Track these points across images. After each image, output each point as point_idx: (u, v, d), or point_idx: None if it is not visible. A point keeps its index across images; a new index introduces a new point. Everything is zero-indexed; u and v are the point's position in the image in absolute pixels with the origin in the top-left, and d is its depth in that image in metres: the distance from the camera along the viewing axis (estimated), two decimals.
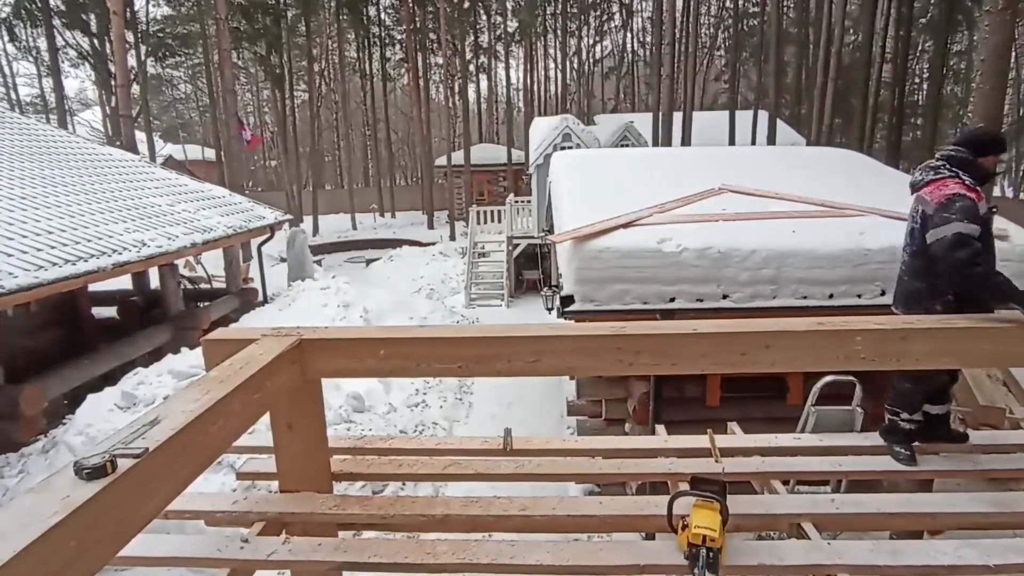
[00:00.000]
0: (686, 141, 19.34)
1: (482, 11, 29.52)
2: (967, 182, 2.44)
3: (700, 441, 2.55)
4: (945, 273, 2.37)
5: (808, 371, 2.21)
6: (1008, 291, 2.15)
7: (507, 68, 32.85)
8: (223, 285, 11.69)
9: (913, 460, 2.42)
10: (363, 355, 1.94)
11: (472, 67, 30.76)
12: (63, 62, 23.14)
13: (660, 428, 3.18)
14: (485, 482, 2.42)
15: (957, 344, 1.93)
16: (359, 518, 2.07)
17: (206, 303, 10.61)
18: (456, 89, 27.44)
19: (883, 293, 4.86)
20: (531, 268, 16.27)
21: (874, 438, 2.63)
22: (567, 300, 4.94)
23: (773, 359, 1.90)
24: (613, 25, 36.02)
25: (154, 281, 10.54)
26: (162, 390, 6.74)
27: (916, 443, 2.54)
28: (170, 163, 24.45)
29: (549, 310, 11.14)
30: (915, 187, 2.61)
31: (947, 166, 2.52)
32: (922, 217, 2.46)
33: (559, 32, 31.77)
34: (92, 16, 21.49)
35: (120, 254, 7.30)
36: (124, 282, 10.10)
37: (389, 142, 34.38)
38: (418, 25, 27.70)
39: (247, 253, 13.74)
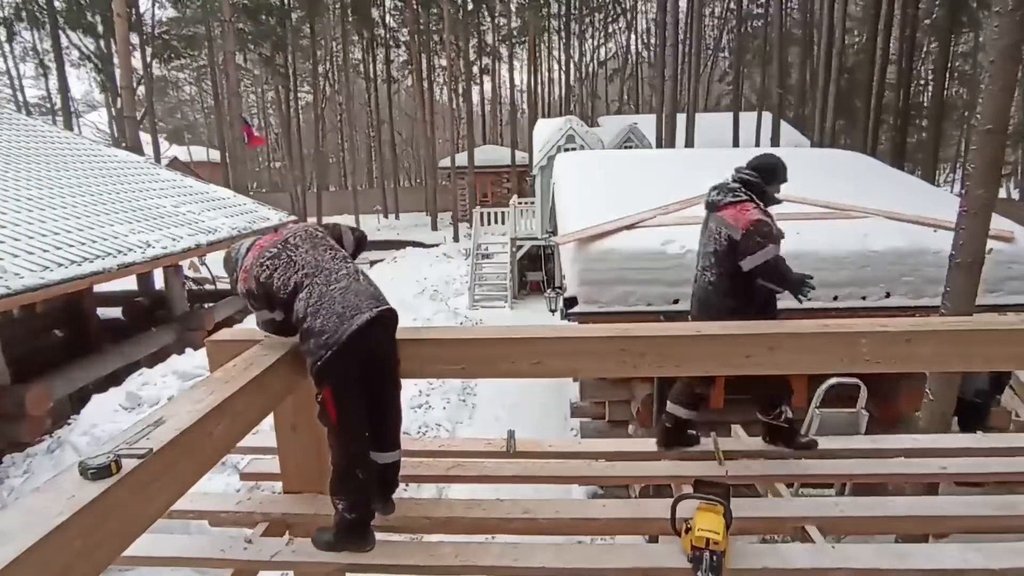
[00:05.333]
0: (690, 143, 19.27)
1: (486, 13, 29.56)
2: (762, 207, 2.58)
3: (704, 444, 2.55)
4: (768, 286, 2.49)
5: (812, 373, 2.20)
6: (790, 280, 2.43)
7: (511, 70, 32.88)
8: (227, 286, 11.70)
9: None
10: None
11: (476, 69, 30.78)
12: (68, 63, 23.26)
13: None
14: (488, 484, 2.42)
15: (964, 346, 1.92)
16: None
17: (211, 304, 10.62)
18: (460, 91, 27.44)
19: (888, 295, 4.84)
20: (535, 270, 16.24)
21: (878, 440, 2.62)
22: (571, 302, 4.94)
23: (777, 361, 1.89)
24: (617, 27, 36.02)
25: (159, 282, 10.58)
26: (167, 391, 6.76)
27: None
28: (175, 164, 24.56)
29: (553, 312, 11.14)
30: (713, 206, 2.67)
31: (743, 190, 2.61)
32: (728, 241, 2.52)
33: (563, 34, 31.75)
34: (98, 18, 21.59)
35: (125, 255, 7.32)
36: (129, 283, 10.14)
37: (393, 144, 34.40)
38: (422, 27, 27.77)
39: None
